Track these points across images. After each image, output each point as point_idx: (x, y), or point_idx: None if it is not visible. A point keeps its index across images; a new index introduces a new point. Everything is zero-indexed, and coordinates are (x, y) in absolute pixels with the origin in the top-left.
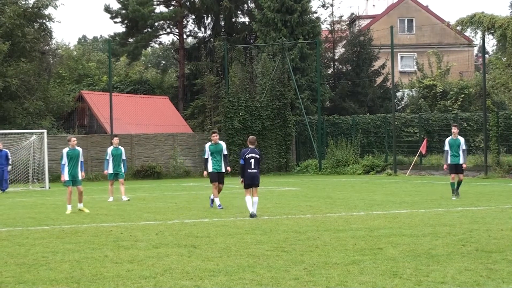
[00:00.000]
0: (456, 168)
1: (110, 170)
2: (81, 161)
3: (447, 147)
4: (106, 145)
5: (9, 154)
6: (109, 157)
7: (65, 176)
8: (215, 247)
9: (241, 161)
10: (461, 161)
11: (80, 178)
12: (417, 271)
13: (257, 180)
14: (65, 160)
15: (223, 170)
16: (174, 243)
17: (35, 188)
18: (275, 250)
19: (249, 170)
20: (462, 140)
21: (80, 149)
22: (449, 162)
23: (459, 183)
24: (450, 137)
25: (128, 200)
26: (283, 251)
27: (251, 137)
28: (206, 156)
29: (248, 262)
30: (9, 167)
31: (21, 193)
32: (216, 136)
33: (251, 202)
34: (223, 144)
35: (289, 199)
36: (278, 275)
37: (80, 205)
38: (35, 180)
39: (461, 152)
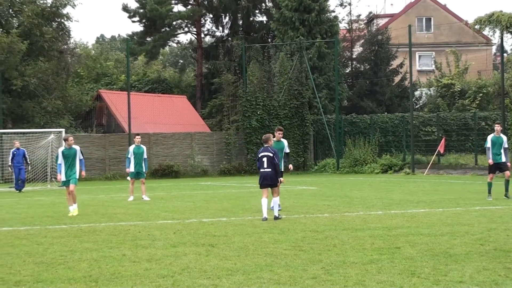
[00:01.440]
0: (497, 168)
1: (131, 168)
2: (81, 159)
3: (489, 145)
4: (124, 144)
5: (26, 153)
6: (131, 155)
7: (62, 176)
8: (233, 246)
9: (258, 164)
10: (503, 160)
11: (77, 177)
12: (435, 270)
13: (270, 179)
14: (61, 160)
15: (282, 169)
16: (191, 242)
17: (53, 187)
18: (293, 249)
19: (262, 170)
20: (504, 138)
21: (77, 148)
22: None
23: (507, 181)
24: (492, 135)
25: (149, 199)
26: (301, 250)
27: (265, 135)
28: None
29: (265, 261)
30: (29, 167)
31: (39, 192)
32: (281, 133)
33: (266, 205)
34: (285, 142)
35: (306, 198)
36: (296, 274)
37: (71, 208)
38: (53, 179)
39: (502, 151)
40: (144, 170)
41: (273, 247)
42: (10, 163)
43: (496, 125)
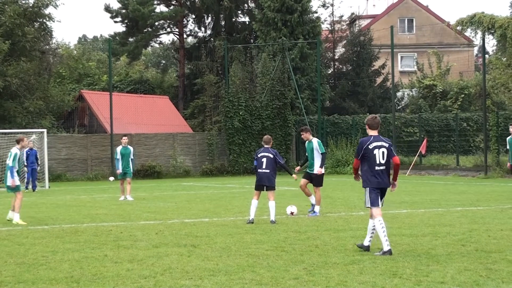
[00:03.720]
0: None
1: (120, 171)
2: (10, 167)
3: (508, 146)
4: (106, 145)
5: (37, 154)
6: (119, 156)
7: (16, 180)
8: (215, 246)
9: (255, 162)
10: None
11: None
12: (417, 271)
13: (267, 181)
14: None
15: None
16: (174, 242)
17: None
18: (275, 249)
19: (259, 170)
20: None
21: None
22: (510, 162)
23: None
24: (510, 136)
25: (132, 200)
26: (283, 251)
27: (265, 136)
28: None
29: (248, 261)
30: (38, 167)
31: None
32: (307, 133)
33: (255, 207)
34: (314, 141)
35: (288, 199)
36: (278, 274)
37: (11, 214)
38: None
39: None
40: (131, 170)
41: (255, 247)
42: (25, 163)
43: (511, 126)
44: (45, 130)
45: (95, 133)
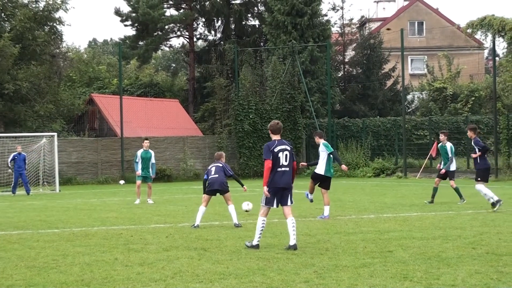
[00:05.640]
0: None
1: (140, 173)
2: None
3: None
4: (116, 148)
5: (26, 158)
6: (139, 159)
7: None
8: (225, 250)
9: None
10: None
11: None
12: (427, 274)
13: (219, 185)
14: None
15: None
16: (184, 246)
17: (45, 191)
18: (285, 253)
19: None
20: None
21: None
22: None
23: None
24: (441, 144)
25: (152, 203)
26: (293, 254)
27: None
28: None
29: (258, 265)
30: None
31: (31, 196)
32: (316, 137)
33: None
34: (320, 143)
35: (299, 202)
36: (288, 278)
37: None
38: (45, 183)
39: None
40: (151, 175)
41: (265, 251)
42: (9, 165)
43: (441, 134)
44: (55, 134)
45: (105, 136)
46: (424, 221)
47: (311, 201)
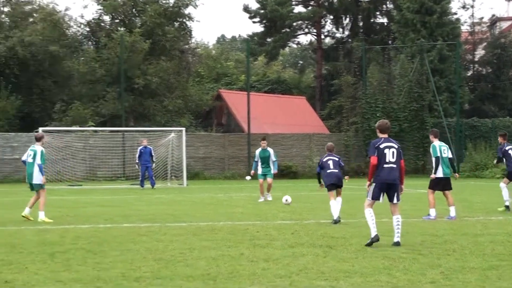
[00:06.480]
0: None
1: (259, 171)
2: (39, 164)
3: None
4: (243, 144)
5: (152, 151)
6: (257, 158)
7: (43, 178)
8: (351, 248)
9: (318, 169)
10: None
11: (36, 182)
12: None
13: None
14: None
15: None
16: (309, 243)
17: (173, 185)
18: (411, 253)
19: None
20: None
21: (41, 149)
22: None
23: None
24: None
25: (271, 200)
26: (420, 254)
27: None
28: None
29: (383, 264)
30: (153, 165)
31: (159, 190)
32: (430, 136)
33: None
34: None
35: (426, 202)
36: (414, 278)
37: (28, 211)
38: (173, 177)
39: None
40: (272, 172)
41: (391, 250)
42: (137, 161)
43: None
44: (183, 129)
45: (232, 132)
46: None
47: (435, 218)
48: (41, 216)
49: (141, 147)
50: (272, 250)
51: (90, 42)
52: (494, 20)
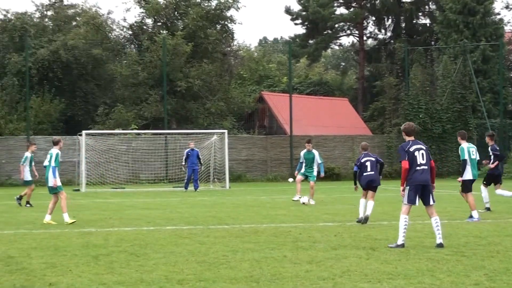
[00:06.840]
0: None
1: (302, 171)
2: (53, 166)
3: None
4: (285, 146)
5: (199, 154)
6: (302, 160)
7: (59, 181)
8: (394, 250)
9: (355, 168)
10: None
11: (49, 184)
12: None
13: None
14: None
15: None
16: (352, 245)
17: (215, 188)
18: (455, 254)
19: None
20: None
21: (56, 152)
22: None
23: None
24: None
25: (313, 204)
26: (463, 256)
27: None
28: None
29: (427, 266)
30: (201, 167)
31: (202, 192)
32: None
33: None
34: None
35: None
36: (458, 280)
37: (48, 218)
38: (215, 179)
39: None
40: (315, 174)
41: (434, 252)
42: (183, 163)
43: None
44: (226, 131)
45: (274, 134)
46: None
47: (478, 220)
48: (66, 218)
49: (188, 149)
50: (315, 252)
51: (132, 45)
52: None
